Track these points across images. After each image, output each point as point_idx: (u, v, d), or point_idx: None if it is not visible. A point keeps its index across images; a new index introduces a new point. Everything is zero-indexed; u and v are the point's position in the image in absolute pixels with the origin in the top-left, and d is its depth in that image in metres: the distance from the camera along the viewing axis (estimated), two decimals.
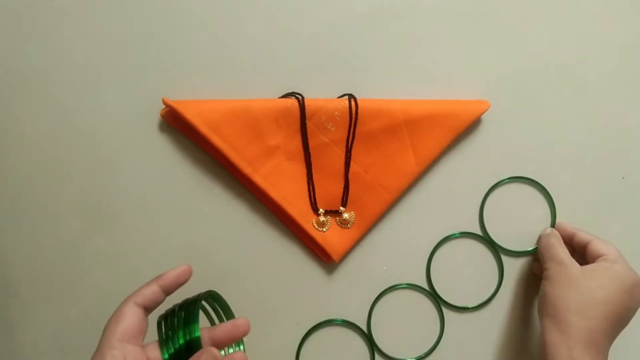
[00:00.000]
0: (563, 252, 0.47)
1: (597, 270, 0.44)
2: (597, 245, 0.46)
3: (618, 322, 0.43)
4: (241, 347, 0.43)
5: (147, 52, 0.50)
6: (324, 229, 0.50)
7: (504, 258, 0.52)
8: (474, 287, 0.52)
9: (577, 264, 0.45)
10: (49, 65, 0.49)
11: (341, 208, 0.50)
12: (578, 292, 0.43)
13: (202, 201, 0.50)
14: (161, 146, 0.50)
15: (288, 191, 0.49)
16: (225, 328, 0.41)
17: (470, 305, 0.52)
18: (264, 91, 0.50)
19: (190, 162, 0.50)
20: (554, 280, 0.45)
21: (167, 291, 0.40)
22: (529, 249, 0.52)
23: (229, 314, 0.44)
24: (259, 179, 0.49)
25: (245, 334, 0.41)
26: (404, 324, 0.51)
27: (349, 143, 0.49)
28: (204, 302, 0.41)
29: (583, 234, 0.48)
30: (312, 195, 0.50)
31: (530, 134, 0.52)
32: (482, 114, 0.50)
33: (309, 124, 0.49)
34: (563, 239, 0.48)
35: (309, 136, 0.49)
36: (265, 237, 0.51)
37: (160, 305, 0.40)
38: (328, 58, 0.51)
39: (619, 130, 0.52)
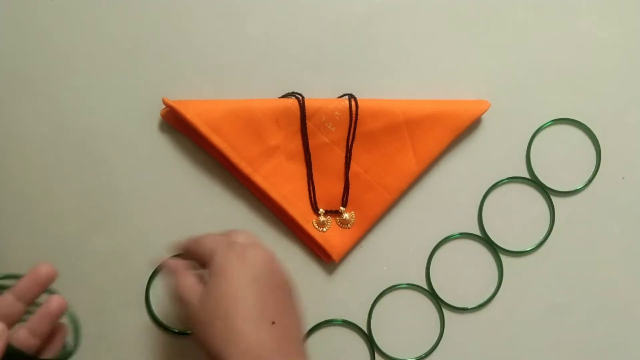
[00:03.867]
0: None
1: None
2: None
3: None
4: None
5: (147, 52, 0.50)
6: (324, 229, 0.50)
7: (503, 258, 0.52)
8: (473, 288, 0.52)
9: None
10: (49, 65, 0.49)
11: (341, 208, 0.50)
12: None
13: (202, 201, 0.50)
14: (161, 146, 0.50)
15: (288, 191, 0.49)
16: (27, 278, 0.36)
17: (470, 306, 0.52)
18: (264, 91, 0.50)
19: (190, 162, 0.50)
20: None
21: (25, 299, 0.36)
22: (529, 249, 0.52)
23: None
24: (259, 179, 0.49)
25: (49, 274, 0.36)
26: (404, 324, 0.51)
27: (349, 143, 0.49)
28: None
29: None
30: (312, 195, 0.50)
31: (530, 134, 0.52)
32: (482, 114, 0.50)
33: (309, 124, 0.49)
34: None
35: (309, 136, 0.49)
36: (265, 237, 0.51)
37: None
38: (328, 58, 0.51)
39: (619, 130, 0.52)
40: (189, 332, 0.49)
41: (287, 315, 0.38)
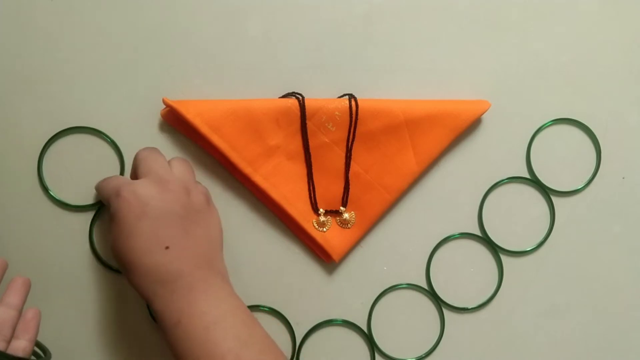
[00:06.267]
0: None
1: None
2: None
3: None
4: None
5: (147, 52, 0.50)
6: (324, 229, 0.50)
7: (503, 258, 0.52)
8: (473, 288, 0.52)
9: None
10: (49, 65, 0.49)
11: (341, 208, 0.50)
12: None
13: None
14: (161, 146, 0.50)
15: (288, 191, 0.49)
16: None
17: (470, 306, 0.52)
18: (264, 91, 0.50)
19: (190, 162, 0.50)
20: None
21: None
22: (529, 249, 0.52)
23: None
24: (259, 179, 0.49)
25: (4, 263, 0.43)
26: (404, 324, 0.51)
27: (349, 143, 0.49)
28: None
29: None
30: (312, 195, 0.50)
31: (530, 134, 0.52)
32: (482, 114, 0.50)
33: (309, 124, 0.49)
34: None
35: (309, 136, 0.49)
36: (265, 237, 0.51)
37: None
38: (328, 58, 0.51)
39: (619, 130, 0.52)
40: None
41: (185, 236, 0.41)
